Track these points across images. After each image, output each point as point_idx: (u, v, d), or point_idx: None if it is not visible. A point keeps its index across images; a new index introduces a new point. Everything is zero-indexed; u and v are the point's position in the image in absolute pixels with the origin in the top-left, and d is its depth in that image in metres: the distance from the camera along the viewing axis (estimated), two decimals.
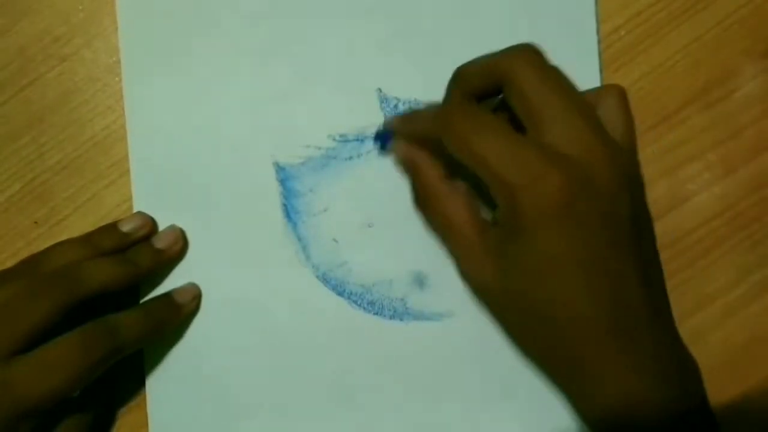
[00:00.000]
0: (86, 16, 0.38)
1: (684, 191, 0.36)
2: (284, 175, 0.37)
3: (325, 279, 0.36)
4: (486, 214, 0.32)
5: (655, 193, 0.36)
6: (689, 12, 0.37)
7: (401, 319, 0.36)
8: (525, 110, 0.29)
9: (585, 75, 0.36)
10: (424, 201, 0.32)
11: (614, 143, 0.30)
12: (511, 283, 0.29)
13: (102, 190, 0.37)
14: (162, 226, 0.37)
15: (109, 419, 0.37)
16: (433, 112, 0.32)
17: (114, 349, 0.32)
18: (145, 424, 0.36)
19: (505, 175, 0.28)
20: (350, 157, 0.37)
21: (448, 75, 0.36)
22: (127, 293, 0.35)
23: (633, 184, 0.30)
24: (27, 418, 0.30)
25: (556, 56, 0.36)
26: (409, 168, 0.33)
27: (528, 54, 0.30)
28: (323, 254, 0.36)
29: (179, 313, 0.35)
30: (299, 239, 0.37)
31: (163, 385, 0.36)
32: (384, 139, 0.35)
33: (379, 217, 0.36)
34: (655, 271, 0.31)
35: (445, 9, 0.37)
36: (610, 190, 0.28)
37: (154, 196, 0.37)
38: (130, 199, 0.37)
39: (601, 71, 0.36)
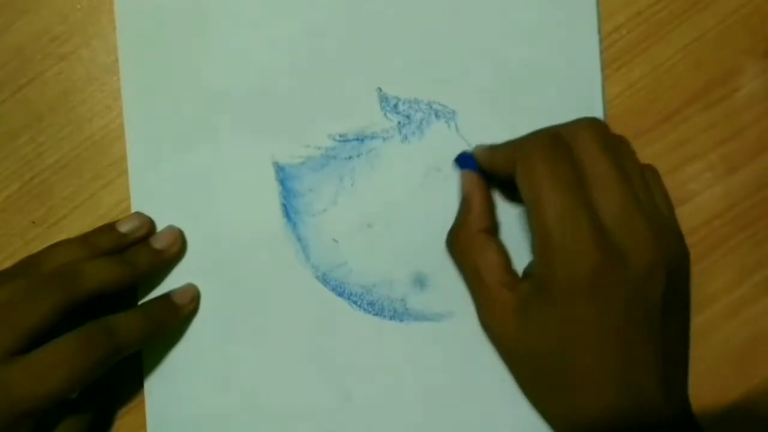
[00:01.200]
0: (84, 15, 0.38)
1: (686, 191, 0.36)
2: (284, 175, 0.36)
3: (324, 279, 0.36)
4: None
5: None
6: (690, 11, 0.37)
7: (401, 320, 0.36)
8: (586, 174, 0.30)
9: (586, 74, 0.36)
10: (457, 244, 0.34)
11: (660, 226, 0.31)
12: (530, 338, 0.31)
13: (100, 189, 0.37)
14: (160, 226, 0.36)
15: (108, 420, 0.36)
16: (518, 142, 0.32)
17: (113, 350, 0.31)
18: (144, 426, 0.36)
19: (554, 233, 0.29)
20: (350, 157, 0.36)
21: (447, 74, 0.36)
22: (125, 294, 0.35)
23: (674, 265, 0.31)
24: (25, 419, 0.30)
25: (557, 56, 0.36)
26: (462, 204, 0.34)
27: (593, 125, 0.32)
28: (323, 254, 0.36)
29: (178, 314, 0.35)
30: (299, 239, 0.36)
31: (162, 387, 0.36)
32: (463, 161, 0.35)
33: (379, 217, 0.36)
34: (678, 350, 0.32)
35: (445, 8, 0.36)
36: (644, 274, 0.30)
37: (152, 195, 0.37)
38: (128, 198, 0.37)
39: (602, 70, 0.36)
